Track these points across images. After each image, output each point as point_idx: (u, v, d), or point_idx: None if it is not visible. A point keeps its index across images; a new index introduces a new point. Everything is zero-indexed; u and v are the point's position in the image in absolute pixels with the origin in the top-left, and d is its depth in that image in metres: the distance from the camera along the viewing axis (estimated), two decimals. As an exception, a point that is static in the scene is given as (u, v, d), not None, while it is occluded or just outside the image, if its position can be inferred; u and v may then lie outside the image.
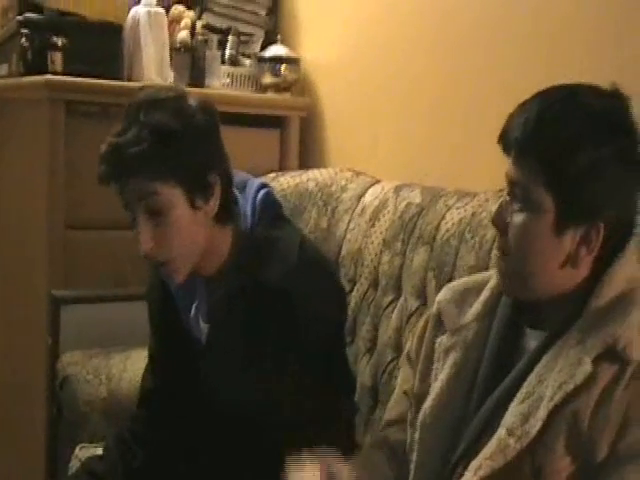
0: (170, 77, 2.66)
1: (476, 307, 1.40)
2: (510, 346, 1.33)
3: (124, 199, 1.52)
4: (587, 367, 1.20)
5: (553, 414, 1.21)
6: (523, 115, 1.25)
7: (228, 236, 1.58)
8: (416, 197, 2.06)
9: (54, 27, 2.54)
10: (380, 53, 2.62)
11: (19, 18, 2.55)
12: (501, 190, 1.33)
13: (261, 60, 2.90)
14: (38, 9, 2.57)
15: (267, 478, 1.40)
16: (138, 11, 2.64)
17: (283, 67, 2.86)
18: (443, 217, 1.95)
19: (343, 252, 2.18)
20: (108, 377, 2.14)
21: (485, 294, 1.40)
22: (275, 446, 1.44)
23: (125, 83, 2.58)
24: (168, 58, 2.68)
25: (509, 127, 1.27)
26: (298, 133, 2.87)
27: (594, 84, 1.28)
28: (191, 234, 1.52)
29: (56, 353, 2.27)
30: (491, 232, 1.80)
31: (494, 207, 1.30)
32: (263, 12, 3.01)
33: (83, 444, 1.86)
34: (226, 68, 2.87)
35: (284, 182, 2.37)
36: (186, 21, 2.79)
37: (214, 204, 1.53)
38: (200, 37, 2.80)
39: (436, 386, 1.37)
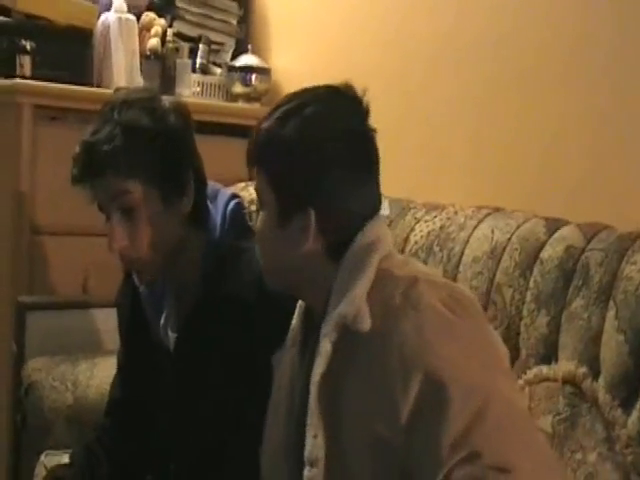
0: (140, 84, 2.65)
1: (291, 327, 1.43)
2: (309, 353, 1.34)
3: (97, 199, 1.51)
4: (326, 350, 1.22)
5: (328, 421, 1.21)
6: (254, 131, 1.33)
7: (199, 242, 1.58)
8: (385, 209, 2.06)
9: (22, 31, 2.53)
10: (350, 63, 2.63)
11: (-14, 21, 2.54)
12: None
13: (232, 69, 2.91)
14: (6, 12, 2.55)
15: None
16: (108, 17, 2.63)
17: (254, 77, 2.87)
18: (412, 229, 1.96)
19: (311, 262, 2.18)
20: (74, 384, 2.11)
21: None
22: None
23: (94, 89, 2.57)
24: (138, 65, 2.68)
25: (249, 143, 1.35)
26: (267, 143, 2.87)
27: (332, 86, 1.33)
28: (164, 232, 1.51)
29: (21, 360, 2.25)
30: (459, 245, 1.82)
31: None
32: (234, 21, 3.02)
33: (49, 451, 1.84)
34: (196, 77, 2.87)
35: (253, 192, 2.36)
36: (157, 29, 2.79)
37: (188, 202, 1.54)
38: (171, 45, 2.80)
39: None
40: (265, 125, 1.30)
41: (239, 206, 1.65)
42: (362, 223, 1.29)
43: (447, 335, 1.17)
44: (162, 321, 1.64)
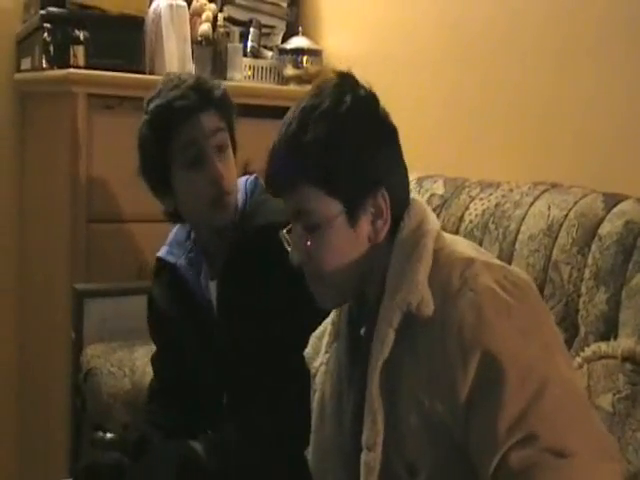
0: (192, 70, 2.66)
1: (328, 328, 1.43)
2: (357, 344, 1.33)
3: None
4: (389, 337, 1.21)
5: (387, 406, 1.21)
6: (273, 159, 1.26)
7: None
8: (439, 188, 2.04)
9: (76, 21, 2.56)
10: (403, 44, 2.61)
11: (42, 12, 2.57)
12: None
13: (283, 52, 2.90)
14: (60, 3, 2.59)
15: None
16: (160, 4, 2.64)
17: (305, 59, 2.86)
18: (467, 208, 1.93)
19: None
20: (132, 369, 2.15)
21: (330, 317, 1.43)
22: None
23: (147, 76, 2.58)
24: (190, 51, 2.68)
25: (270, 173, 1.28)
26: (320, 125, 2.86)
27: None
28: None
29: (80, 346, 2.28)
30: (515, 223, 1.79)
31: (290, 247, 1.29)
32: (284, 4, 3.00)
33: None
34: (248, 60, 2.87)
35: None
36: (207, 14, 2.79)
37: None
38: (221, 30, 2.80)
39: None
40: (283, 149, 1.24)
41: (255, 178, 1.79)
42: (408, 201, 1.30)
43: (505, 316, 1.16)
44: (202, 279, 1.76)
